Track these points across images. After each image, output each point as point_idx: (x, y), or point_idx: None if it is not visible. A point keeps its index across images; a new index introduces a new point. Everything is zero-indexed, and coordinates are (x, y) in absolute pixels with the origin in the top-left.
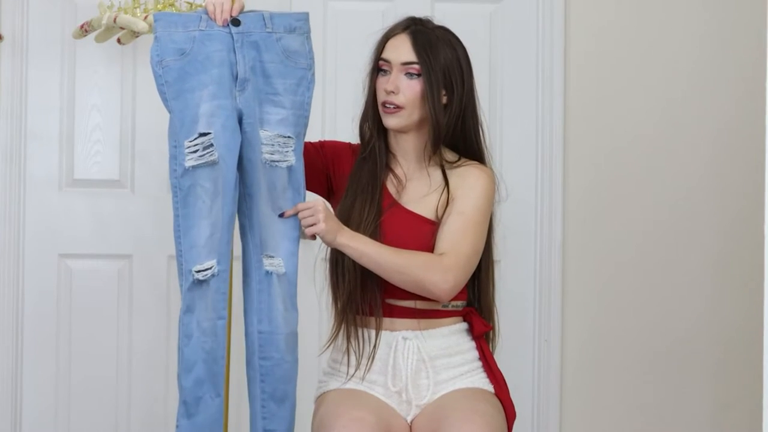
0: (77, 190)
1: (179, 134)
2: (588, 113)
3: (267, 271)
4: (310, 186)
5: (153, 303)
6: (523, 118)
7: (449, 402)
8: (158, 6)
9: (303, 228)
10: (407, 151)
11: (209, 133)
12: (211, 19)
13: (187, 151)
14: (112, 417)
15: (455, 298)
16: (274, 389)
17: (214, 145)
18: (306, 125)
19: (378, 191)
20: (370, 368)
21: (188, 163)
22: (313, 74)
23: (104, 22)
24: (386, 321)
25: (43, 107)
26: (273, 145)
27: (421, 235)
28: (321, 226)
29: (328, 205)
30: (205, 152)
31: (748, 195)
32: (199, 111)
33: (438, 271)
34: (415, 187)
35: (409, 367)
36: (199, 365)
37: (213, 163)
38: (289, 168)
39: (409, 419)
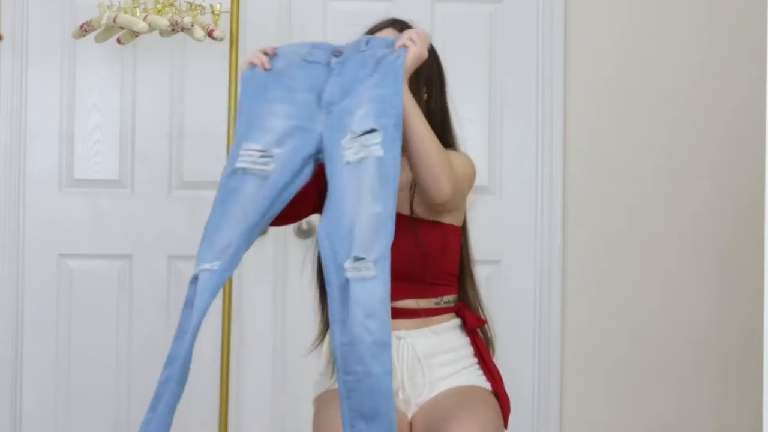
0: (77, 189)
1: (242, 136)
2: (588, 113)
3: (346, 279)
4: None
5: (153, 303)
6: (523, 118)
7: (445, 402)
8: (158, 6)
9: (401, 41)
10: None
11: (275, 150)
12: (316, 49)
13: (242, 152)
14: (112, 417)
15: (447, 293)
16: (361, 406)
17: (274, 158)
18: (396, 116)
19: None
20: None
21: (239, 165)
22: (401, 64)
23: (104, 22)
24: None
25: (43, 107)
26: (353, 147)
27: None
28: (419, 50)
29: None
30: (260, 160)
31: (749, 194)
32: (269, 123)
33: (450, 177)
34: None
35: (404, 366)
36: (179, 361)
37: (264, 174)
38: (378, 159)
39: (409, 416)
